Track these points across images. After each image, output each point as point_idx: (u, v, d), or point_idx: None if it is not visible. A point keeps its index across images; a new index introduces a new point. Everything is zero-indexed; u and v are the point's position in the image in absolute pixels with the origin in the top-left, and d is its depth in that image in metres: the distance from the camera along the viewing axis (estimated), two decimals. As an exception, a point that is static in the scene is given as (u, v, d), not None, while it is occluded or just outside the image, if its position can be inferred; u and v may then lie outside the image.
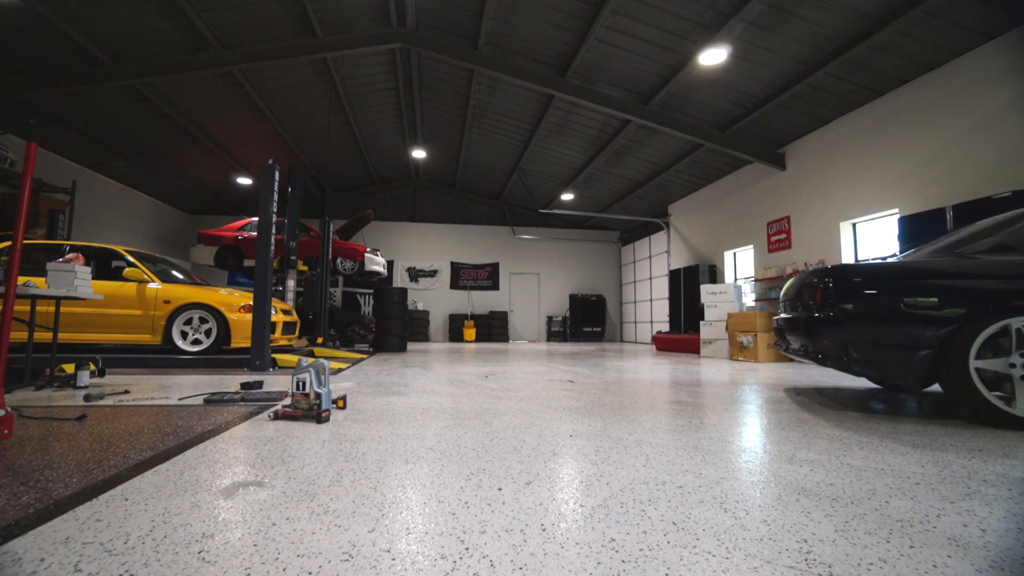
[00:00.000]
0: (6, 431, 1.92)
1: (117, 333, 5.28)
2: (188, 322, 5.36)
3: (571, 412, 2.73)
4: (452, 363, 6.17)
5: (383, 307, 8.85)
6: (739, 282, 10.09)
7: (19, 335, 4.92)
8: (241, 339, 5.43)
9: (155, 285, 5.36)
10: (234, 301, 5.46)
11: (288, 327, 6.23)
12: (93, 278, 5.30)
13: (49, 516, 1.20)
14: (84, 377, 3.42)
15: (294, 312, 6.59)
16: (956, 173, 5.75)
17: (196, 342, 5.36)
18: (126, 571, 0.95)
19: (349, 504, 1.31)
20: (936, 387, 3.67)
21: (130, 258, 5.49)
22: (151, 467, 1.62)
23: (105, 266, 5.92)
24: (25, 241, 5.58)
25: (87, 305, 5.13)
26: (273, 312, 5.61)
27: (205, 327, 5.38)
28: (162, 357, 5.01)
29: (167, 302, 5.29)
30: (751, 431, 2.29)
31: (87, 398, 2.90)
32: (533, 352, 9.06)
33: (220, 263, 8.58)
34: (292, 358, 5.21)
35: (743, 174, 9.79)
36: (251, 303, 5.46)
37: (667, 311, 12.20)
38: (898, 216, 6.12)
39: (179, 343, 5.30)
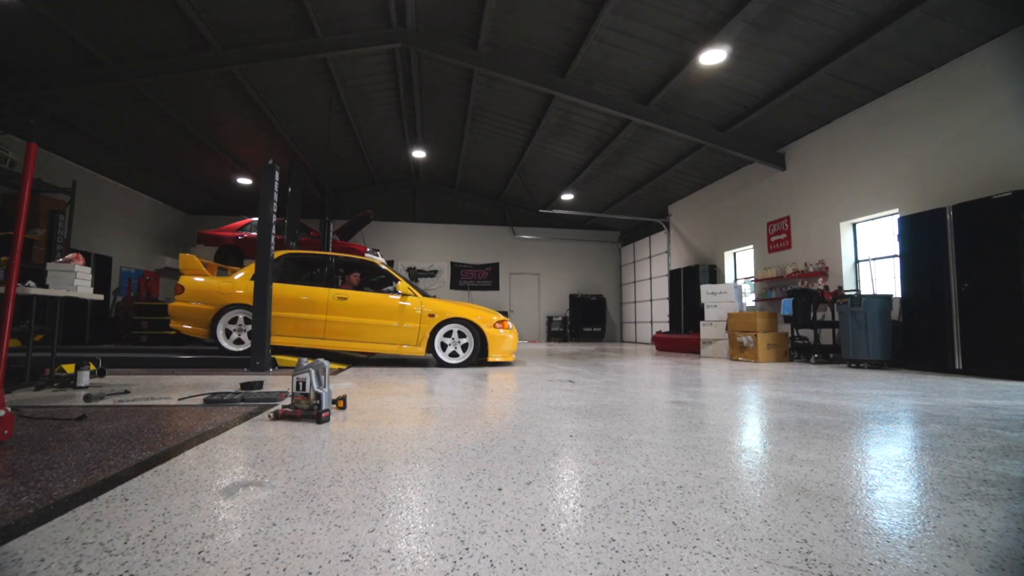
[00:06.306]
0: (6, 431, 1.92)
1: (390, 344, 5.57)
2: (448, 335, 5.63)
3: (571, 412, 2.73)
4: (452, 363, 6.16)
5: (384, 307, 8.83)
6: (739, 282, 10.09)
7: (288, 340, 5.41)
8: (497, 353, 5.68)
9: (418, 299, 5.66)
10: (489, 317, 5.76)
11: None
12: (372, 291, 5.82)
13: (49, 516, 1.20)
14: (84, 377, 3.41)
15: None
16: (956, 173, 5.75)
17: (454, 354, 5.63)
18: (126, 571, 0.95)
19: (349, 504, 1.31)
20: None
21: (392, 272, 5.87)
22: (151, 467, 1.62)
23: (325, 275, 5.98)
24: (294, 252, 5.86)
25: (370, 317, 5.51)
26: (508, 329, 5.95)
27: (463, 340, 5.64)
28: (163, 357, 5.01)
29: (431, 316, 5.61)
30: (751, 431, 2.29)
31: (87, 398, 2.90)
32: (533, 352, 9.05)
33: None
34: (292, 358, 5.22)
35: (743, 174, 9.78)
36: (502, 319, 5.81)
37: (667, 311, 12.20)
38: (898, 216, 6.11)
39: (440, 355, 5.59)
